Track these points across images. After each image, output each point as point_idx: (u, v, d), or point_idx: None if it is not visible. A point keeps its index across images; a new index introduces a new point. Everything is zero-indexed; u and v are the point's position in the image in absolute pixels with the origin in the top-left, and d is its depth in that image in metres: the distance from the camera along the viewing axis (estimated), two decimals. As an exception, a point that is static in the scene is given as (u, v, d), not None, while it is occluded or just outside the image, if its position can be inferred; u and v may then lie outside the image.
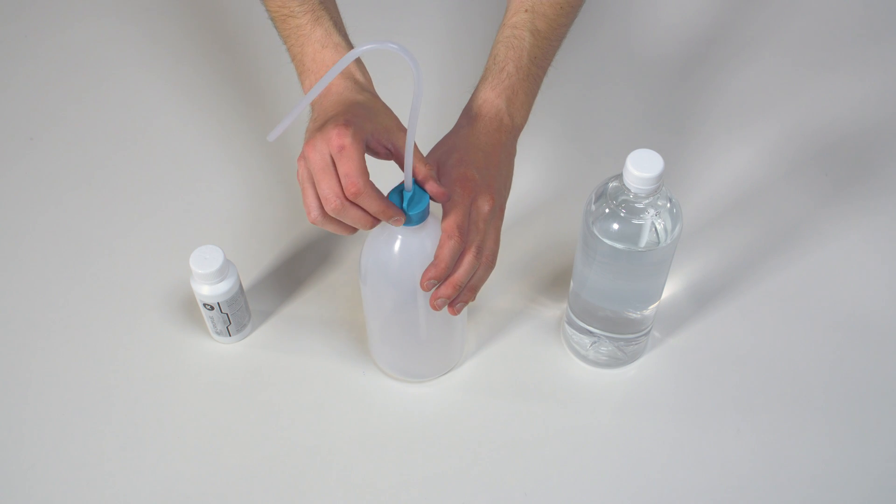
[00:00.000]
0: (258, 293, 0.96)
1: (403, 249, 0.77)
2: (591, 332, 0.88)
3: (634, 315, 0.86)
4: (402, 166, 0.74)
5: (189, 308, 0.95)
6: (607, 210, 0.78)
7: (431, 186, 0.75)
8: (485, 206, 0.78)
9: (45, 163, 1.09)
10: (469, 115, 0.85)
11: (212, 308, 0.88)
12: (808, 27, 1.22)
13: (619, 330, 0.87)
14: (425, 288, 0.76)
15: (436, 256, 0.75)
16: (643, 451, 0.86)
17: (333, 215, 0.73)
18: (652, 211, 0.77)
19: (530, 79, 0.86)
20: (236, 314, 0.90)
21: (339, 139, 0.71)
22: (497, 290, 0.96)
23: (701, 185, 1.05)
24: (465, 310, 0.87)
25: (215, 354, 0.92)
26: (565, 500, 0.83)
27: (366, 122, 0.74)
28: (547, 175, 1.06)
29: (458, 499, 0.83)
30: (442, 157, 0.81)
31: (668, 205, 0.77)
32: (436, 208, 0.77)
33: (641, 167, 0.73)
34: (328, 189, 0.72)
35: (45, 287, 0.98)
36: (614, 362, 0.91)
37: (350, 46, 0.84)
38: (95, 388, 0.90)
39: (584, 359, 0.91)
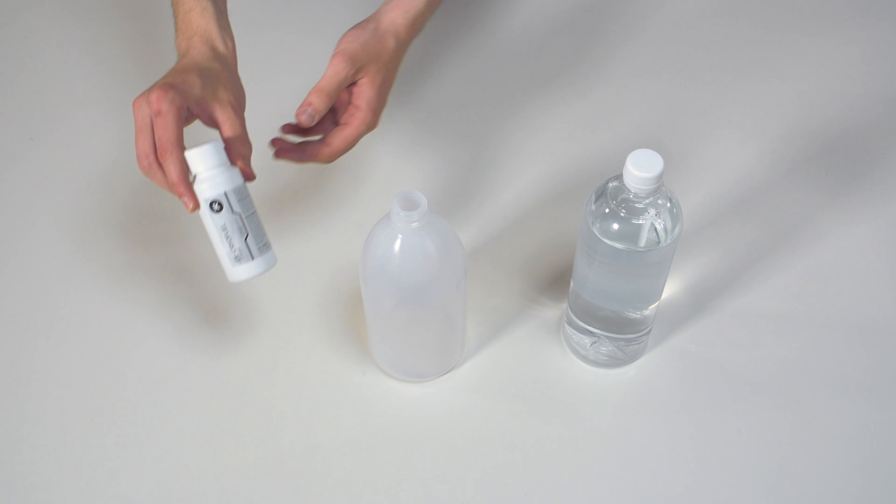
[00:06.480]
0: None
1: (403, 249, 0.77)
2: (591, 332, 0.88)
3: (634, 315, 0.86)
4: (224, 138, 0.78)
5: (189, 307, 0.95)
6: (607, 210, 0.77)
7: (241, 165, 0.78)
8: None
9: (45, 163, 1.09)
10: (398, 36, 0.88)
11: (221, 207, 0.75)
12: (808, 27, 1.22)
13: (619, 330, 0.87)
14: (298, 115, 0.83)
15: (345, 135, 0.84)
16: (643, 452, 0.86)
17: (143, 173, 0.77)
18: (652, 211, 0.77)
19: None
20: (251, 219, 0.77)
21: (157, 103, 0.75)
22: (497, 290, 0.96)
23: (701, 185, 1.05)
24: (464, 310, 0.87)
25: (215, 354, 0.92)
26: (565, 500, 0.83)
27: (194, 88, 0.77)
28: (547, 175, 1.06)
29: (458, 499, 0.83)
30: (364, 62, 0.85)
31: (668, 205, 0.77)
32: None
33: (641, 167, 0.73)
34: (141, 148, 0.76)
35: (45, 287, 0.98)
36: (614, 362, 0.91)
37: (217, 9, 0.85)
38: (95, 387, 0.90)
39: (584, 359, 0.91)
